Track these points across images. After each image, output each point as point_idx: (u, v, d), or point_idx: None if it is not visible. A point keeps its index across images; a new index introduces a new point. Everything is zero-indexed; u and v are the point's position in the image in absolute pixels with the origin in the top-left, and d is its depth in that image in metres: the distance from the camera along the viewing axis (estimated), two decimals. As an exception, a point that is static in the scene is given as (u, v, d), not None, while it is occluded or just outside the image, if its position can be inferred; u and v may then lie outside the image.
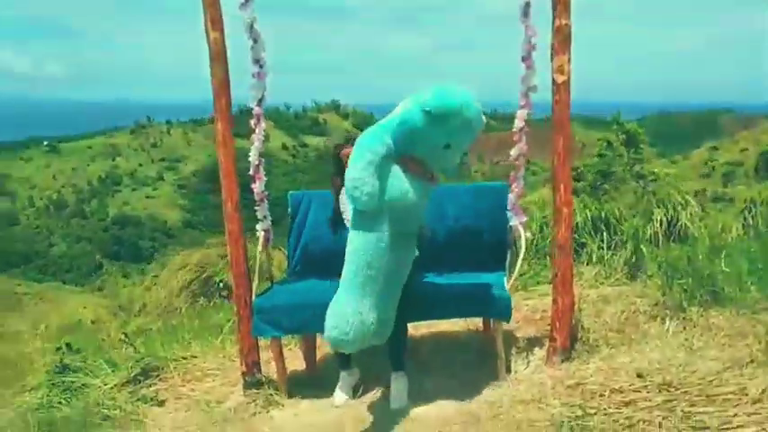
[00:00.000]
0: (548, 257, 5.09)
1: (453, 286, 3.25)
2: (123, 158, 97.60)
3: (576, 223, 4.72)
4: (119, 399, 3.58)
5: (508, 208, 3.39)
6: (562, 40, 3.08)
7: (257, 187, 3.47)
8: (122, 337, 4.42)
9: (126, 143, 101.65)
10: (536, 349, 3.52)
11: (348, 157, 3.08)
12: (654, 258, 4.48)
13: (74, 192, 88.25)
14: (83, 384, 3.81)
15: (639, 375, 2.75)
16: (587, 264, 4.78)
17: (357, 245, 2.77)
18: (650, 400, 2.57)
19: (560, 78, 3.10)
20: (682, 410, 2.46)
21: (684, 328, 3.30)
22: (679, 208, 5.42)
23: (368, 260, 2.73)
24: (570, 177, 3.22)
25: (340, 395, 3.23)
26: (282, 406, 3.31)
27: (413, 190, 2.78)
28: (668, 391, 2.60)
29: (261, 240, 3.52)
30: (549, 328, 3.50)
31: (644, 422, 2.46)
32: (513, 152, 3.28)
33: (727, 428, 2.31)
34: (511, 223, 3.38)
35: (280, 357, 3.39)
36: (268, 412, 3.28)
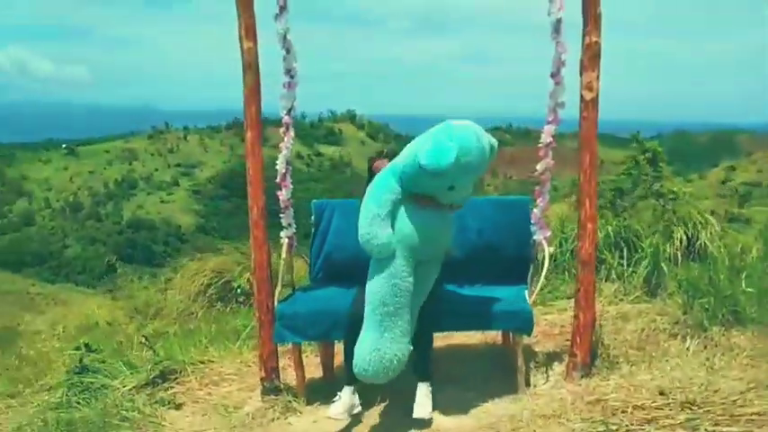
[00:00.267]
0: (566, 272, 5.08)
1: (476, 299, 3.26)
2: (140, 163, 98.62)
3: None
4: (137, 401, 3.60)
5: (532, 222, 3.41)
6: (591, 57, 3.10)
7: (283, 195, 3.51)
8: (142, 339, 4.46)
9: (143, 148, 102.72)
10: (555, 364, 3.52)
11: (379, 170, 3.16)
12: (674, 277, 4.47)
13: (90, 194, 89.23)
14: (102, 385, 3.84)
15: (662, 393, 2.74)
16: (606, 280, 4.77)
17: (372, 284, 2.93)
18: (673, 418, 2.56)
19: (589, 95, 3.12)
20: (705, 429, 2.45)
21: (705, 348, 3.28)
22: (699, 227, 5.39)
23: (382, 299, 2.87)
24: (596, 193, 3.23)
25: (336, 408, 3.08)
26: (301, 413, 3.33)
27: (428, 222, 2.94)
28: (691, 409, 2.59)
29: (285, 247, 3.56)
30: (567, 342, 3.50)
31: (667, 440, 2.45)
32: (540, 167, 3.29)
33: (752, 449, 2.30)
34: (535, 237, 3.39)
35: (299, 364, 3.42)
36: (286, 419, 3.30)
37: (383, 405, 3.28)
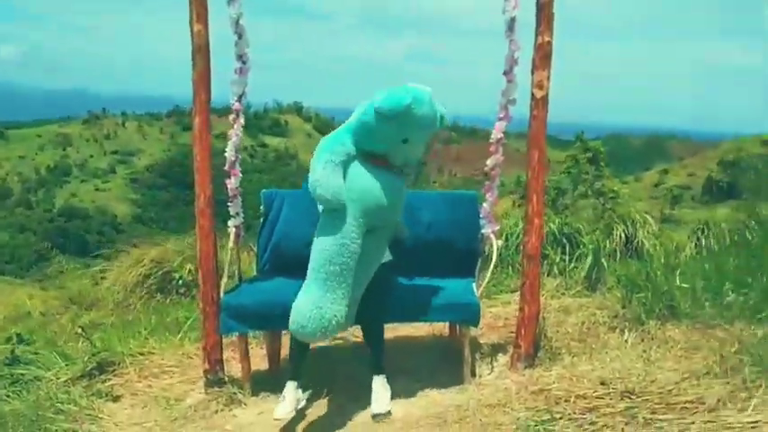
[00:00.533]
0: (510, 267, 5.20)
1: (424, 291, 3.28)
2: (74, 149, 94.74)
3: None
4: (72, 393, 3.45)
5: (481, 216, 3.46)
6: (543, 56, 3.16)
7: (232, 183, 3.43)
8: (78, 330, 4.28)
9: (78, 133, 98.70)
10: (500, 355, 3.59)
11: None
12: (613, 272, 4.64)
13: (20, 180, 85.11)
14: (34, 377, 3.67)
15: (602, 383, 2.83)
16: (549, 275, 4.91)
17: (319, 242, 2.86)
18: (613, 407, 2.65)
19: (539, 94, 3.19)
20: (643, 417, 2.55)
21: (643, 340, 3.41)
22: (637, 225, 5.62)
23: (329, 257, 2.81)
24: (543, 190, 3.30)
25: (283, 407, 2.96)
26: (246, 405, 3.27)
27: (380, 183, 2.89)
28: (630, 398, 2.69)
29: (232, 237, 3.48)
30: (511, 335, 3.58)
31: (607, 427, 2.53)
32: (490, 162, 3.34)
33: (686, 436, 2.41)
34: (483, 231, 3.44)
35: (245, 355, 3.36)
36: (231, 411, 3.23)
37: (330, 397, 3.27)
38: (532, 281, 3.32)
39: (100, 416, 3.29)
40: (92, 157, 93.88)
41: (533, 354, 3.36)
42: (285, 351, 3.74)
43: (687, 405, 2.57)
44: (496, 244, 3.40)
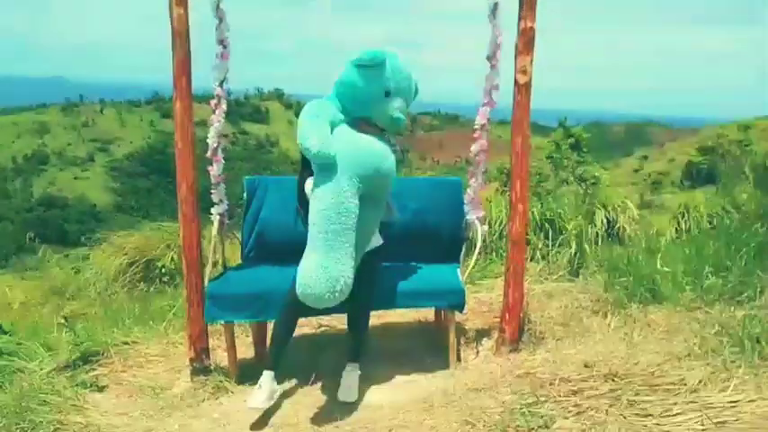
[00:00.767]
0: (494, 252, 5.24)
1: (410, 277, 3.30)
2: (52, 137, 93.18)
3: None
4: (57, 384, 3.41)
5: (465, 202, 3.47)
6: (526, 41, 3.16)
7: (214, 169, 3.41)
8: (61, 320, 4.24)
9: (56, 121, 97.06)
10: (485, 340, 3.62)
11: None
12: (595, 257, 4.69)
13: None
14: (18, 369, 3.62)
15: (586, 366, 2.87)
16: (532, 260, 4.95)
17: (317, 203, 2.81)
18: (597, 389, 2.69)
19: (522, 79, 3.19)
20: (627, 399, 2.58)
21: (625, 323, 3.46)
22: (618, 210, 5.68)
23: (328, 216, 2.76)
24: (527, 175, 3.31)
25: (258, 397, 2.94)
26: (232, 393, 3.27)
27: (369, 143, 2.90)
28: (613, 380, 2.73)
29: (216, 224, 3.45)
30: (496, 319, 3.61)
31: (592, 409, 2.57)
32: (474, 148, 3.35)
33: (668, 416, 2.44)
34: (468, 217, 3.46)
35: (231, 344, 3.35)
36: (217, 399, 3.23)
37: (313, 385, 3.28)
38: (516, 266, 3.34)
39: (85, 406, 3.25)
40: (70, 145, 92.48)
41: (518, 338, 3.39)
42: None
43: (669, 386, 2.61)
44: (481, 230, 3.42)
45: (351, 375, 3.12)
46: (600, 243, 5.30)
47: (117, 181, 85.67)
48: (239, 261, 3.73)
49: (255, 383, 3.25)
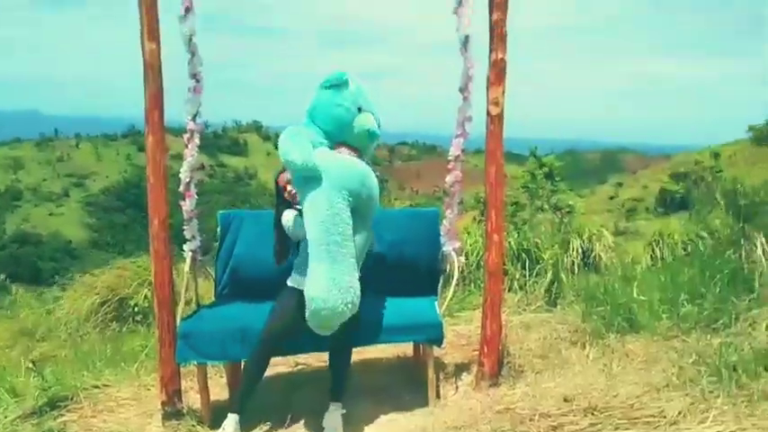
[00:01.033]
0: (472, 284, 5.21)
1: (387, 310, 3.25)
2: (26, 172, 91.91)
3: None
4: (22, 432, 3.30)
5: (442, 233, 3.45)
6: (498, 73, 3.20)
7: (187, 205, 3.35)
8: (29, 364, 4.09)
9: (30, 156, 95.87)
10: (464, 374, 3.58)
11: (286, 181, 3.11)
12: (572, 286, 4.69)
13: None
14: (-20, 416, 3.49)
15: (566, 400, 2.84)
16: (509, 290, 4.93)
17: (312, 216, 2.80)
18: (577, 424, 2.66)
19: (495, 110, 3.21)
20: (607, 433, 2.56)
21: (603, 354, 3.45)
22: (593, 239, 5.72)
23: (326, 228, 2.76)
24: (502, 205, 3.31)
25: None
26: (206, 437, 3.17)
27: (351, 161, 2.94)
28: (593, 414, 2.70)
29: (188, 261, 3.38)
30: (475, 353, 3.57)
31: (572, 445, 2.54)
32: (449, 179, 3.35)
33: (649, 450, 2.42)
34: (444, 248, 3.44)
35: (204, 386, 3.25)
36: (190, 443, 3.13)
37: (287, 429, 3.18)
38: (494, 297, 3.32)
39: (50, 455, 3.14)
40: (45, 180, 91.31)
41: (497, 372, 3.35)
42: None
43: (649, 419, 2.59)
44: (458, 261, 3.40)
45: (334, 416, 3.04)
46: (576, 272, 5.31)
47: (93, 216, 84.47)
48: (213, 299, 3.66)
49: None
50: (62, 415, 3.50)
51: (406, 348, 4.00)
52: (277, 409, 3.28)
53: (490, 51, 3.20)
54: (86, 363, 4.34)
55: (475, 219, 6.51)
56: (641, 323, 3.65)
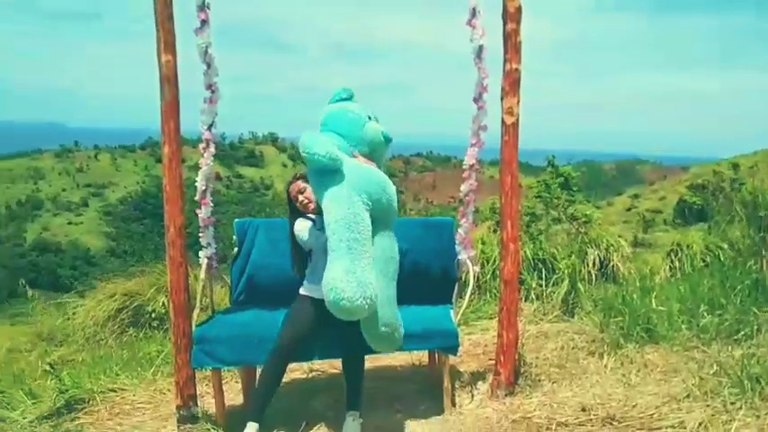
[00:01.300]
0: (488, 293, 5.18)
1: (402, 319, 3.23)
2: (46, 182, 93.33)
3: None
4: (39, 434, 3.33)
5: (457, 242, 3.44)
6: (512, 83, 3.20)
7: (203, 213, 3.37)
8: (47, 367, 4.13)
9: (50, 167, 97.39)
10: (480, 383, 3.54)
11: (297, 191, 3.12)
12: (589, 296, 4.64)
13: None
14: (-1, 418, 3.53)
15: (583, 409, 2.80)
16: (526, 300, 4.90)
17: (333, 214, 2.79)
18: (594, 434, 2.62)
19: (509, 120, 3.21)
20: (625, 444, 2.52)
21: (622, 364, 3.40)
22: (611, 249, 5.66)
23: (347, 224, 2.75)
24: (518, 214, 3.30)
25: None
26: (220, 441, 3.17)
27: (371, 169, 2.98)
28: (611, 424, 2.66)
29: (204, 267, 3.40)
30: (491, 362, 3.54)
31: (589, 455, 2.50)
32: (464, 188, 3.34)
33: (669, 461, 2.38)
34: (459, 257, 3.43)
35: (219, 390, 3.26)
36: (204, 448, 3.14)
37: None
38: (510, 307, 3.30)
39: (67, 457, 3.16)
40: (64, 190, 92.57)
41: (513, 381, 3.32)
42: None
43: (669, 430, 2.54)
44: (473, 270, 3.38)
45: (353, 426, 3.02)
46: (594, 282, 5.26)
47: (111, 225, 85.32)
48: (228, 305, 3.67)
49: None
50: (79, 417, 3.53)
51: (421, 356, 3.98)
52: (292, 415, 3.27)
53: (504, 61, 3.20)
54: (103, 367, 4.37)
55: (490, 228, 6.48)
56: (660, 333, 3.60)
